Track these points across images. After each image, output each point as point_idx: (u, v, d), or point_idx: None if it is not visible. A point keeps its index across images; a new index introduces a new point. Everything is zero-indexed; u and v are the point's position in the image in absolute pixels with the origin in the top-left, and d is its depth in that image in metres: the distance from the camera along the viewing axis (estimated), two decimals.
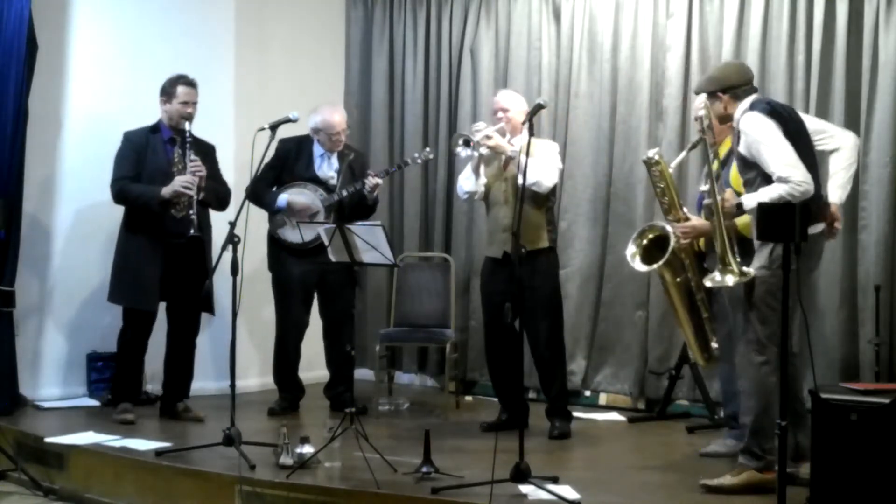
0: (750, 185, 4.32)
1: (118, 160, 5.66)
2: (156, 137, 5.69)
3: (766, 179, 4.21)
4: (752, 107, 4.31)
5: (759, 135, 4.22)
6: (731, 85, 4.41)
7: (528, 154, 4.70)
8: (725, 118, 4.46)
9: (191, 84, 5.69)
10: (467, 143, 5.37)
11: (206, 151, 5.79)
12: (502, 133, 5.46)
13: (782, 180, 4.13)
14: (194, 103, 5.68)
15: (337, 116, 5.99)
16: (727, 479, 4.27)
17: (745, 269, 4.28)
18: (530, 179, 5.28)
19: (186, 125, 5.60)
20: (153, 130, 5.71)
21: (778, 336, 4.16)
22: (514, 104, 5.52)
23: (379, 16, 7.29)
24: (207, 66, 6.60)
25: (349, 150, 6.11)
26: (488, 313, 5.56)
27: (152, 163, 5.63)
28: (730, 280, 4.27)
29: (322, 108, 6.01)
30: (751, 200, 4.22)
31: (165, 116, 5.71)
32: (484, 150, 5.41)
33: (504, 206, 5.43)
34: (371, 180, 5.88)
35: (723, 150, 4.89)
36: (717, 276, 4.32)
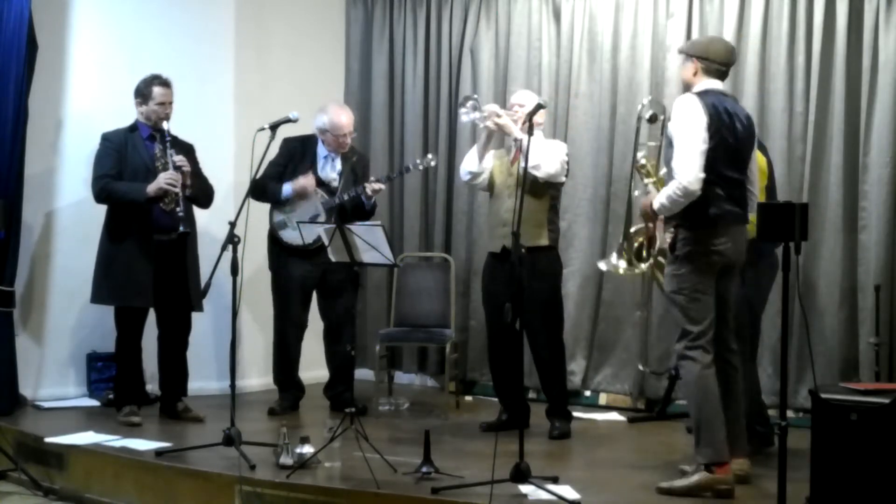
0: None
1: (98, 159, 5.63)
2: (135, 136, 5.66)
3: None
4: (700, 94, 4.29)
5: (680, 120, 4.23)
6: (708, 57, 4.38)
7: (526, 154, 4.70)
8: (687, 85, 4.44)
9: (165, 84, 5.65)
10: (474, 108, 5.39)
11: (187, 150, 5.76)
12: (513, 122, 5.44)
13: (674, 176, 4.20)
14: (170, 103, 5.64)
15: (344, 118, 5.96)
16: (679, 482, 4.26)
17: (638, 263, 4.63)
18: (531, 162, 5.26)
19: (164, 125, 5.58)
20: (131, 129, 5.68)
21: (706, 325, 4.25)
22: (529, 102, 5.45)
23: (379, 16, 7.29)
24: (207, 66, 6.61)
25: (353, 153, 6.10)
26: (490, 312, 5.55)
27: (134, 160, 5.61)
28: (621, 266, 4.66)
29: (330, 108, 5.98)
30: (656, 202, 4.28)
31: (142, 117, 5.68)
32: (490, 124, 5.40)
33: (508, 200, 5.39)
34: (373, 185, 5.86)
35: None
36: (612, 258, 4.63)
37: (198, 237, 5.83)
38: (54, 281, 6.26)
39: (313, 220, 5.81)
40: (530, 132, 4.65)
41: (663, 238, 4.85)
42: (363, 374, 7.02)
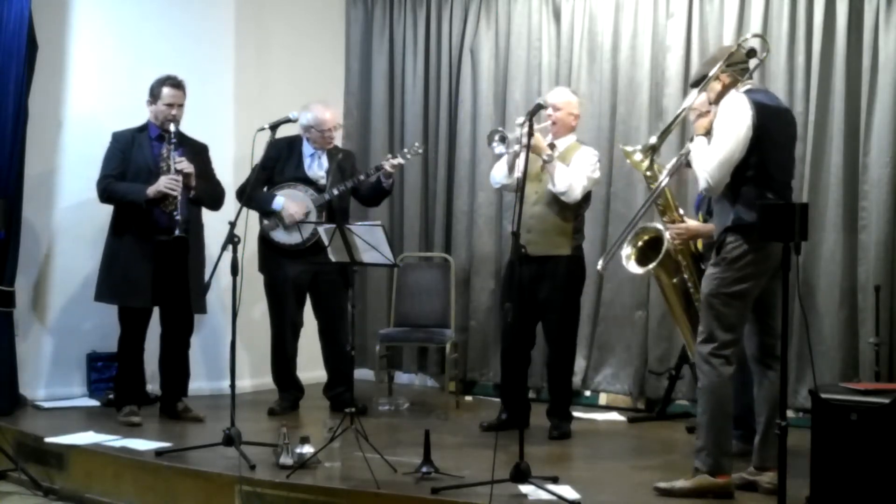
0: None
1: (105, 159, 5.65)
2: (143, 135, 5.66)
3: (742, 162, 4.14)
4: (746, 92, 4.22)
5: (723, 117, 4.14)
6: (732, 62, 4.29)
7: (526, 158, 4.69)
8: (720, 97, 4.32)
9: (177, 86, 5.64)
10: (503, 140, 5.35)
11: (198, 151, 5.77)
12: (544, 133, 5.40)
13: (700, 168, 4.17)
14: (180, 105, 5.64)
15: (328, 113, 6.00)
16: (680, 482, 4.23)
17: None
18: (561, 187, 5.27)
19: (172, 126, 5.58)
20: (141, 129, 5.69)
21: (736, 336, 4.19)
22: (566, 104, 5.47)
23: (379, 16, 7.29)
24: (207, 65, 6.61)
25: (338, 150, 6.12)
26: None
27: (138, 160, 5.61)
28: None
29: (313, 106, 6.02)
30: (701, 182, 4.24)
31: (152, 116, 5.69)
32: (520, 150, 5.33)
33: (533, 207, 5.37)
34: (392, 161, 5.91)
35: None
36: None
37: (204, 238, 5.81)
38: (54, 281, 6.26)
39: (306, 219, 5.84)
40: (530, 134, 4.65)
41: (668, 238, 4.85)
42: (363, 374, 7.02)
